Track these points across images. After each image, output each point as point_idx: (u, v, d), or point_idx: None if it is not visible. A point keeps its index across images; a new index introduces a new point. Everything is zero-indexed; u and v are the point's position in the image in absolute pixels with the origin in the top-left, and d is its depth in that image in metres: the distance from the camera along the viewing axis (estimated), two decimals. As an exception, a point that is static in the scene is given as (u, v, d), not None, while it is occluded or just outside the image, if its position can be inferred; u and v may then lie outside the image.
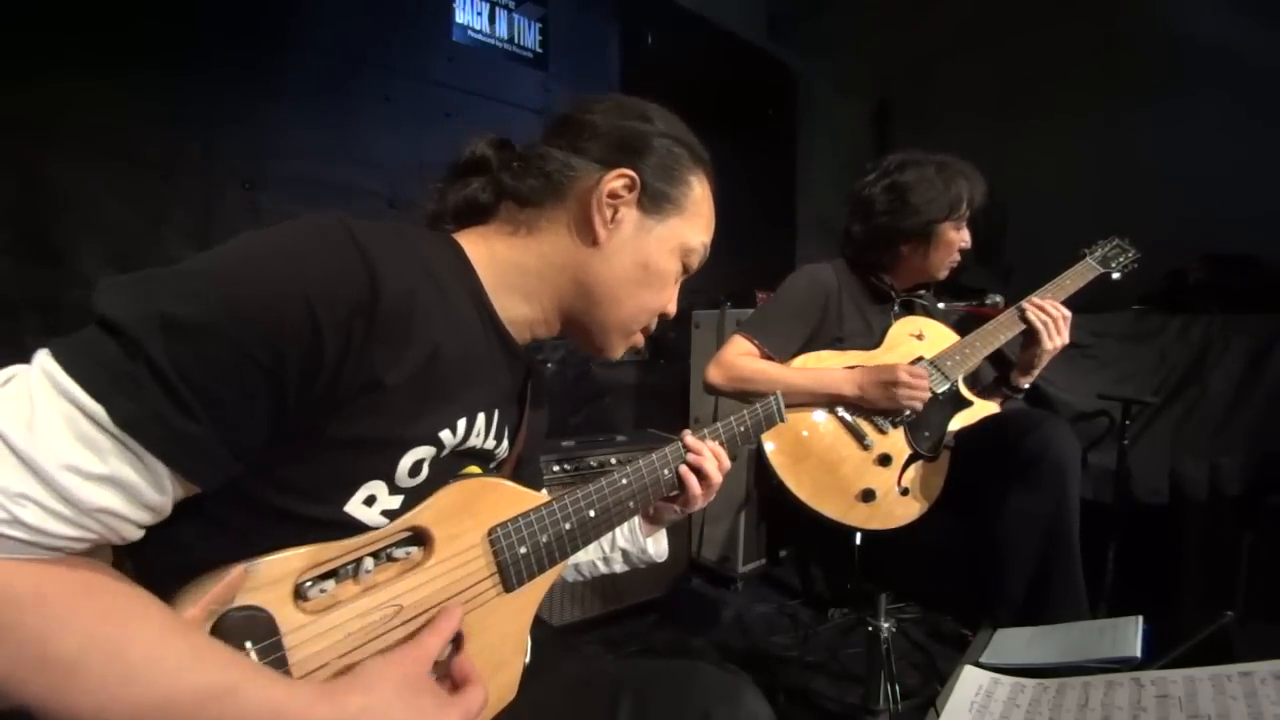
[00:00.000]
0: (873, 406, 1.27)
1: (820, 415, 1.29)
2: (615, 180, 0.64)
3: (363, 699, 0.46)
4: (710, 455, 0.80)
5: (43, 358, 0.41)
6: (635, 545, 0.84)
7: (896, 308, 1.46)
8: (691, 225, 0.70)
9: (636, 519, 0.84)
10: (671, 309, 0.74)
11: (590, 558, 0.85)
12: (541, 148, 0.67)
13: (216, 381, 0.42)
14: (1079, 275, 1.38)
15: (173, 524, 0.45)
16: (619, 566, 0.86)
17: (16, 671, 0.37)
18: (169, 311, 0.41)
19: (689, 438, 0.80)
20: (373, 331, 0.48)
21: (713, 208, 0.74)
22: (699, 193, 0.71)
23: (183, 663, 0.41)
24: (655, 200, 0.67)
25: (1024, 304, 1.33)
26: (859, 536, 1.25)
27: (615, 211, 0.65)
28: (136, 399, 0.40)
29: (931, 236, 1.36)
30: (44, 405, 0.39)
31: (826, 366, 1.34)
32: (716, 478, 0.80)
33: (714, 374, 1.33)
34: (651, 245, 0.68)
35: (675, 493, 0.80)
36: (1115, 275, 1.41)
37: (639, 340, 0.75)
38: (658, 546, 0.87)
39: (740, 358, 1.33)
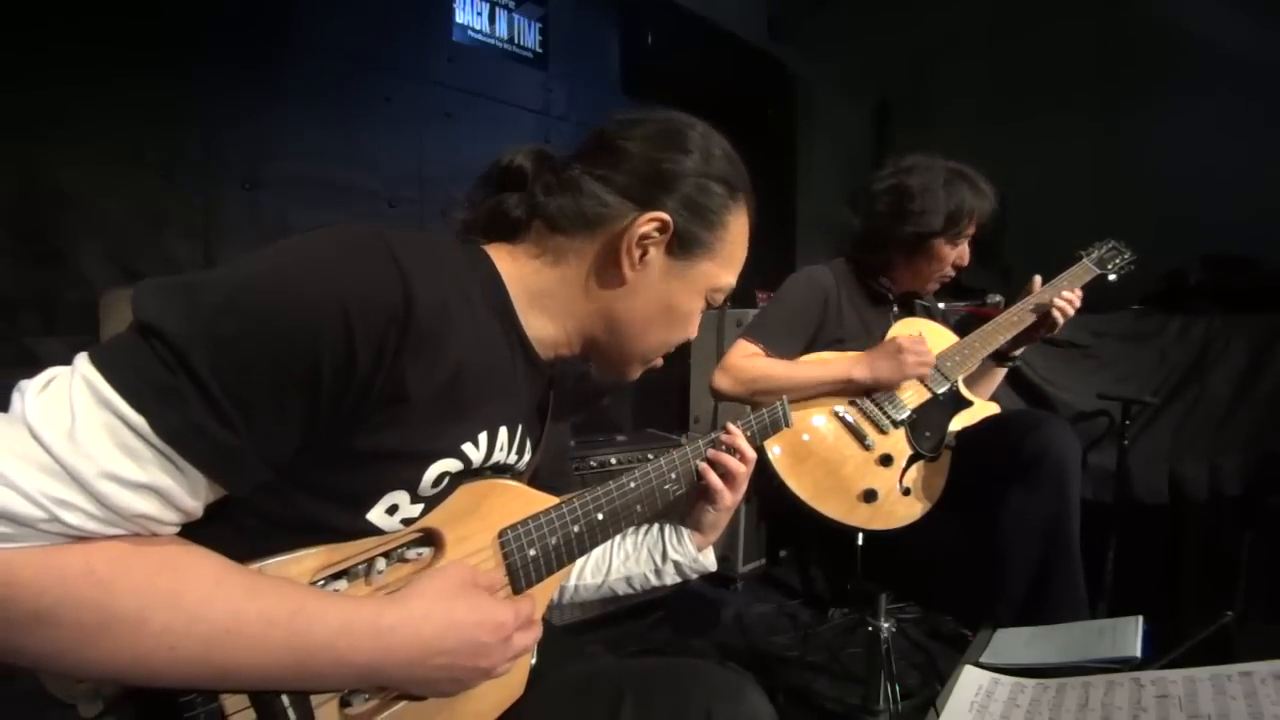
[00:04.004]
0: (885, 382, 1.27)
1: (821, 416, 1.29)
2: (648, 224, 0.63)
3: (423, 601, 0.51)
4: (730, 447, 0.80)
5: (83, 364, 0.41)
6: (687, 556, 0.83)
7: (895, 309, 1.46)
8: (721, 267, 0.69)
9: (687, 533, 0.84)
10: (693, 333, 0.74)
11: (642, 570, 0.84)
12: (577, 170, 0.66)
13: (255, 394, 0.43)
14: (1076, 277, 1.39)
15: (193, 525, 0.46)
16: (671, 579, 0.85)
17: (83, 640, 0.39)
18: (210, 323, 0.42)
19: (723, 437, 0.81)
20: (405, 343, 0.48)
21: (746, 240, 0.72)
22: (734, 231, 0.69)
23: (243, 592, 0.44)
24: (685, 245, 0.65)
25: (1036, 302, 1.34)
26: (861, 537, 1.25)
27: (644, 253, 0.64)
28: (178, 411, 0.41)
29: (923, 248, 1.36)
30: (85, 414, 0.39)
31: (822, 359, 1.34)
32: (740, 468, 0.80)
33: (721, 380, 1.31)
34: (677, 287, 0.67)
35: (680, 492, 0.80)
36: (1111, 277, 1.42)
37: (657, 362, 0.75)
38: (707, 557, 0.87)
39: (746, 359, 1.32)
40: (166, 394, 0.41)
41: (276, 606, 0.44)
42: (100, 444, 0.39)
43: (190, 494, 0.43)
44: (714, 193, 0.66)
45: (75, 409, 0.39)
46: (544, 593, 0.67)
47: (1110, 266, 1.42)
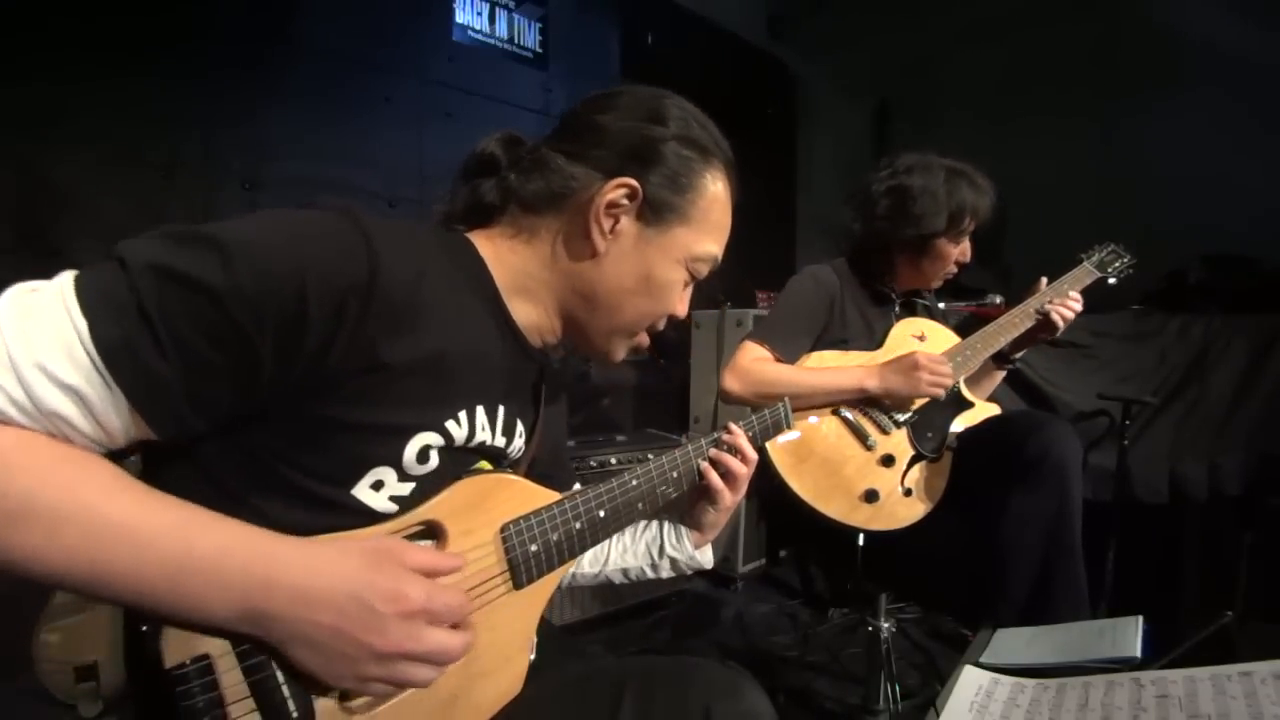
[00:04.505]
0: (896, 396, 1.26)
1: (823, 415, 1.29)
2: (615, 191, 0.63)
3: (322, 548, 0.48)
4: (734, 446, 0.80)
5: (64, 275, 0.45)
6: (684, 554, 0.84)
7: (897, 309, 1.46)
8: (698, 234, 0.68)
9: (685, 532, 0.84)
10: (681, 310, 0.72)
11: (639, 564, 0.85)
12: (545, 151, 0.66)
13: (194, 333, 0.44)
14: (1076, 280, 1.39)
15: (195, 500, 0.46)
16: (666, 574, 0.86)
17: None
18: (167, 260, 0.44)
19: (725, 437, 0.80)
20: (369, 314, 0.49)
21: (728, 210, 0.71)
22: (709, 198, 0.68)
23: (140, 499, 0.44)
24: (657, 210, 0.65)
25: (1038, 304, 1.34)
26: (862, 537, 1.25)
27: (615, 222, 0.64)
28: (118, 326, 0.43)
29: (927, 248, 1.35)
30: (45, 313, 0.42)
31: (834, 366, 1.34)
32: (741, 469, 0.80)
33: (731, 383, 1.30)
34: (653, 256, 0.66)
35: (682, 490, 0.79)
36: (1111, 280, 1.42)
37: (643, 340, 0.74)
38: (706, 555, 0.87)
39: (756, 363, 1.31)
40: (115, 310, 0.43)
41: (168, 514, 0.44)
42: (44, 337, 0.42)
43: (113, 411, 0.44)
44: (685, 157, 0.66)
45: (38, 306, 0.43)
46: (545, 588, 0.66)
47: (1110, 270, 1.42)
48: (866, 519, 1.22)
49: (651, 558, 0.84)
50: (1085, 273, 1.40)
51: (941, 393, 1.25)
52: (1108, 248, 1.44)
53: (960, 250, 1.37)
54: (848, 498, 1.22)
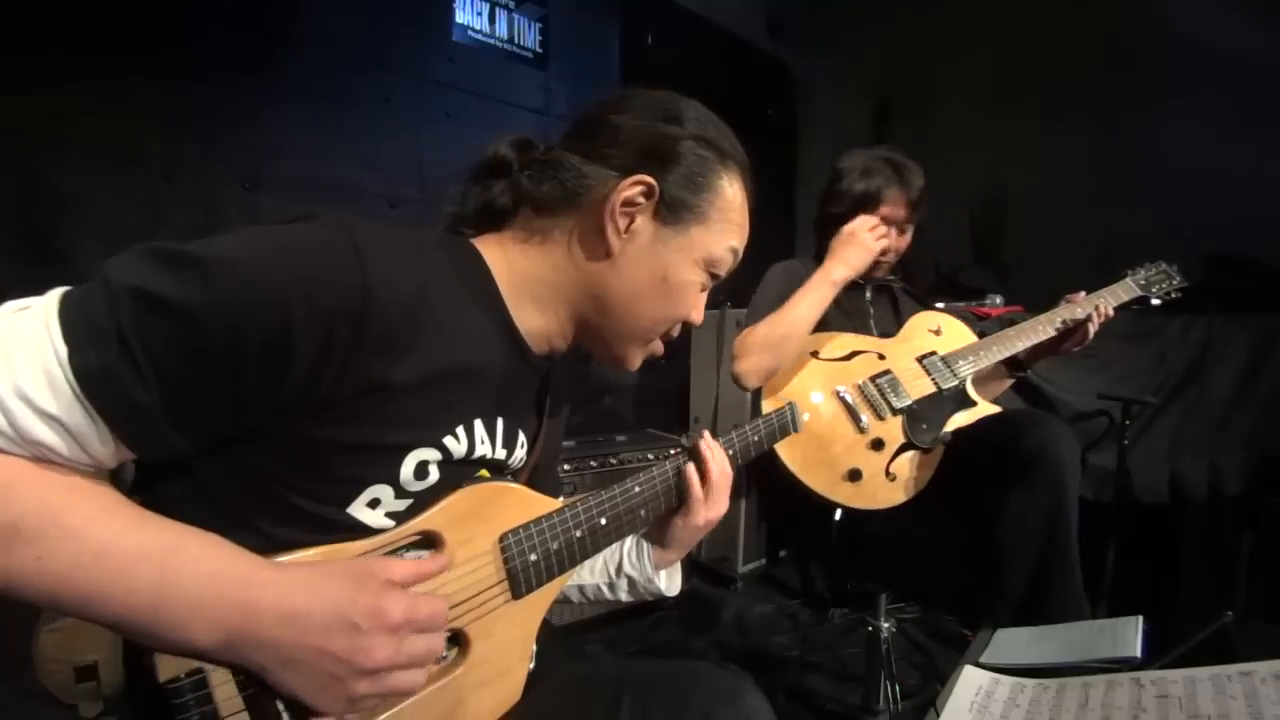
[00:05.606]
0: (859, 266, 1.30)
1: (821, 394, 1.31)
2: (631, 188, 0.61)
3: (308, 570, 0.48)
4: (709, 457, 0.76)
5: (52, 294, 0.44)
6: (642, 574, 0.79)
7: (869, 294, 1.48)
8: (716, 233, 0.66)
9: (648, 548, 0.80)
10: (697, 317, 0.70)
11: (596, 580, 0.81)
12: (558, 151, 0.65)
13: (174, 358, 0.43)
14: (1116, 294, 1.36)
15: (194, 518, 0.46)
16: (624, 595, 0.81)
17: None
18: (147, 284, 0.43)
19: (699, 442, 0.77)
20: (362, 337, 0.48)
21: (745, 209, 0.69)
22: (727, 197, 0.66)
23: (128, 523, 0.43)
24: (674, 209, 0.63)
25: (1067, 315, 1.32)
26: (839, 514, 1.28)
27: (631, 221, 0.63)
28: (97, 353, 0.42)
29: (836, 231, 1.36)
30: (29, 337, 0.42)
31: (846, 348, 1.36)
32: (717, 480, 0.77)
33: (738, 365, 1.28)
34: (670, 256, 0.65)
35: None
36: (1155, 301, 1.38)
37: (658, 348, 0.72)
38: (670, 581, 0.82)
39: (750, 332, 1.30)
40: (95, 336, 0.42)
41: (155, 541, 0.43)
42: (26, 364, 0.41)
43: (98, 439, 0.43)
44: (702, 157, 0.65)
45: (24, 330, 0.42)
46: (545, 597, 0.66)
47: (1155, 290, 1.37)
48: (847, 496, 1.25)
49: (609, 574, 0.80)
50: (1126, 289, 1.37)
51: (886, 244, 1.31)
52: (1157, 266, 1.40)
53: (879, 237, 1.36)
54: (832, 473, 1.25)
